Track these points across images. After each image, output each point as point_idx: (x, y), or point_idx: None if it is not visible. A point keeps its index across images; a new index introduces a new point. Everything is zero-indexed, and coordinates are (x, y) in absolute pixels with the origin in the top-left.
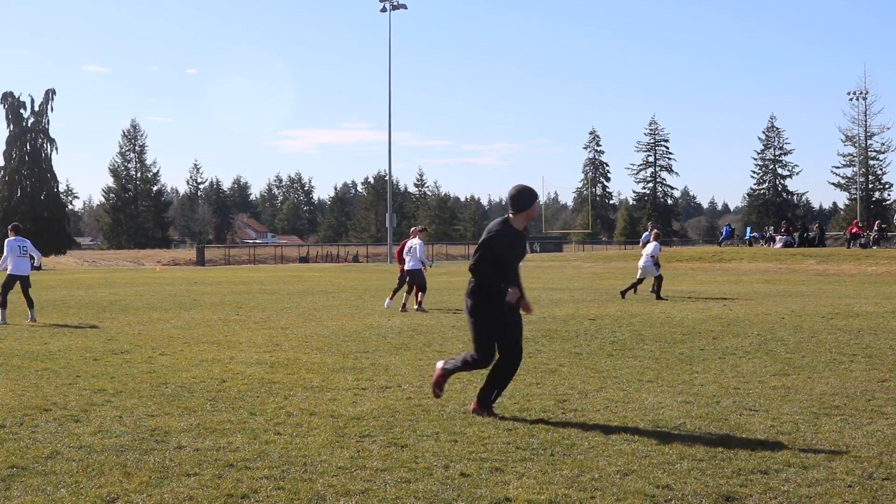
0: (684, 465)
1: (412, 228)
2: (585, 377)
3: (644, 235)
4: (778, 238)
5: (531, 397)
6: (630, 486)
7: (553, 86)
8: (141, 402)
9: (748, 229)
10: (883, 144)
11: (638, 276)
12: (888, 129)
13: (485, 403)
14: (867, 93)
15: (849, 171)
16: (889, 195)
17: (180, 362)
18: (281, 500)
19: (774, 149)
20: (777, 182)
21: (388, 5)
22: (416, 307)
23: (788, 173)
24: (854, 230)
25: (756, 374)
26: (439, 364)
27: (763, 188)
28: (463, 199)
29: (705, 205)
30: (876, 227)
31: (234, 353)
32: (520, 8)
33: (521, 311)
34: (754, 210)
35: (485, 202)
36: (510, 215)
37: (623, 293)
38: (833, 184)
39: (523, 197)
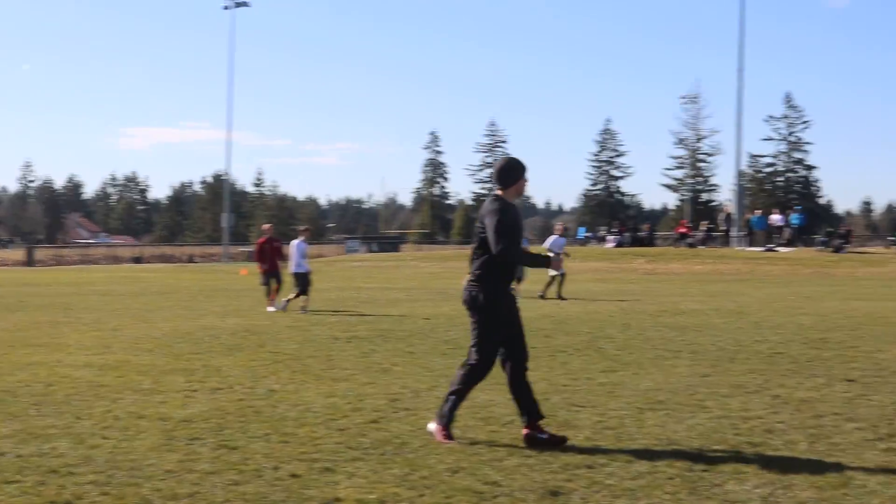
0: (512, 461)
1: (299, 229)
2: (418, 376)
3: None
4: (610, 238)
5: (364, 397)
6: (459, 484)
7: (394, 86)
8: None
9: (582, 229)
10: (712, 147)
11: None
12: (718, 132)
13: (535, 420)
14: (699, 97)
15: (679, 173)
16: (716, 196)
17: (4, 366)
18: None
19: (609, 151)
20: (611, 183)
21: (230, 3)
22: (281, 306)
23: (622, 175)
24: (682, 230)
25: (585, 370)
26: (433, 426)
27: (597, 189)
28: (301, 199)
29: (541, 205)
30: (703, 228)
31: (62, 355)
32: (362, 8)
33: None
34: (588, 210)
35: (323, 202)
36: (499, 192)
37: (542, 295)
38: (664, 185)
39: (513, 170)
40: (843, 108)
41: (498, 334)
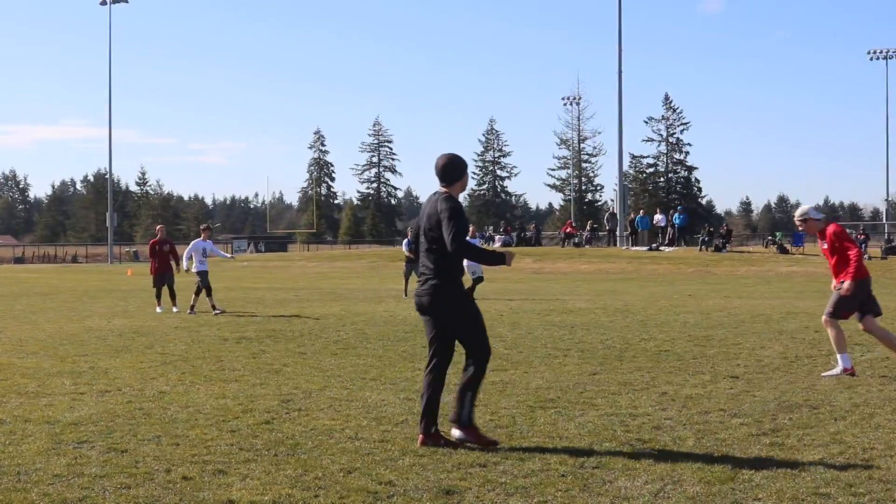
0: (406, 460)
1: (201, 226)
2: (310, 377)
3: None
4: (497, 238)
5: (255, 398)
6: (353, 484)
7: (279, 85)
8: None
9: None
10: (595, 148)
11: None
12: (600, 132)
13: (471, 422)
14: (580, 98)
15: (563, 174)
16: (601, 196)
17: None
18: None
19: (494, 151)
20: (496, 183)
21: None
22: (189, 311)
23: (507, 175)
24: (568, 230)
25: None
26: (457, 433)
27: (483, 189)
28: (186, 198)
29: None
30: (588, 227)
31: None
32: (245, 6)
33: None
34: (475, 210)
35: (209, 202)
36: (444, 189)
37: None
38: (549, 185)
39: (457, 166)
40: (721, 110)
41: (478, 320)
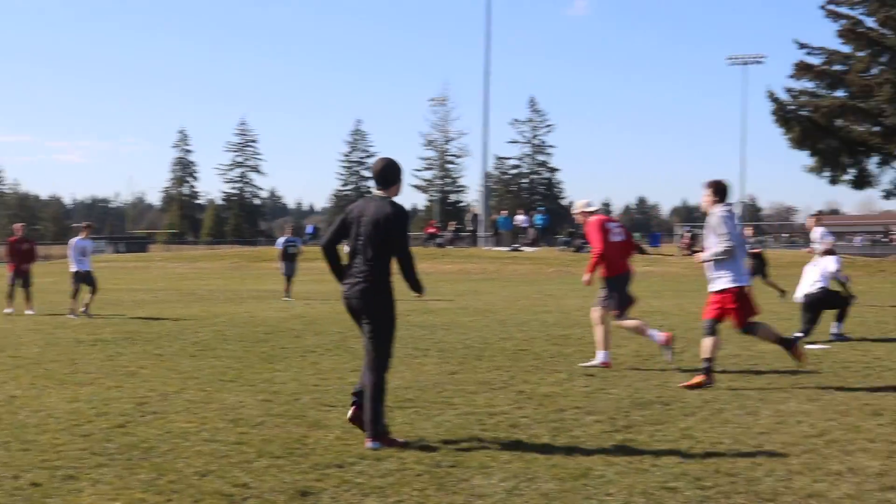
0: (262, 462)
1: (82, 225)
2: (166, 379)
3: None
4: None
5: (109, 401)
6: (208, 487)
7: (142, 84)
8: None
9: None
10: (460, 149)
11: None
12: (466, 134)
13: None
14: (447, 99)
15: (428, 175)
16: (464, 197)
17: None
18: None
19: (359, 151)
20: (361, 184)
21: None
22: (79, 313)
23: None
24: (431, 230)
25: (335, 370)
26: (370, 443)
27: (348, 189)
28: (45, 198)
29: (291, 205)
30: (451, 228)
31: None
32: (105, 2)
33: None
34: (340, 211)
35: (68, 202)
36: (381, 192)
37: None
38: (414, 186)
39: (394, 169)
40: (585, 112)
41: (394, 332)
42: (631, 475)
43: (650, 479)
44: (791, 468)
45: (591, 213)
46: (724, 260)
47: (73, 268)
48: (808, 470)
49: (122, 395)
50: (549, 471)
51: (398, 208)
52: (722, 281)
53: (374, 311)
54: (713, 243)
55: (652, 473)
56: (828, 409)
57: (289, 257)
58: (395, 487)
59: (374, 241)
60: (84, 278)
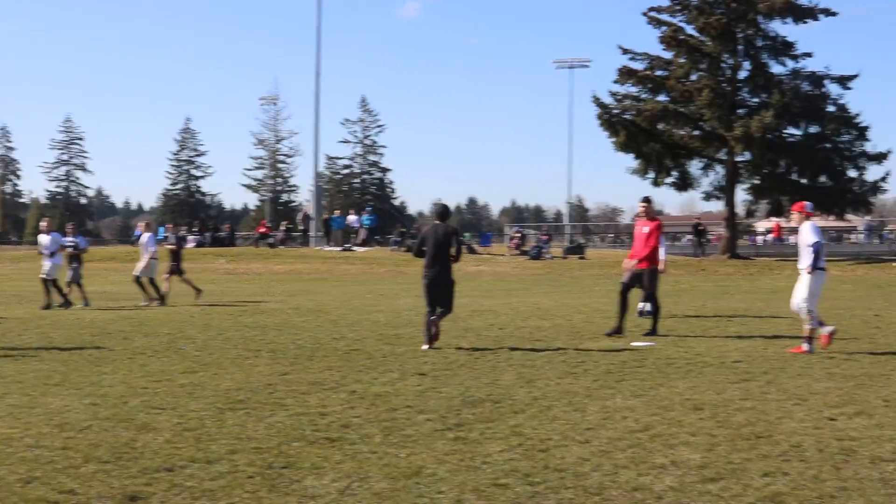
0: (89, 467)
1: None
2: None
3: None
4: (191, 238)
5: None
6: (32, 494)
7: None
8: None
9: (162, 229)
10: (291, 149)
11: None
12: (297, 133)
13: None
14: (278, 98)
15: (259, 174)
16: (296, 197)
17: None
18: None
19: (189, 150)
20: (191, 183)
21: None
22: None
23: (202, 174)
24: (263, 230)
25: (165, 372)
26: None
27: (177, 189)
28: None
29: (119, 204)
30: (283, 228)
31: None
32: None
33: None
34: (168, 210)
35: None
36: (439, 222)
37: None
38: (245, 185)
39: (449, 210)
40: (415, 113)
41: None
42: (462, 473)
43: (481, 477)
44: (617, 462)
45: None
46: None
47: (46, 263)
48: (633, 464)
49: None
50: (382, 470)
51: (454, 228)
52: None
53: (446, 285)
54: None
55: (483, 471)
56: (651, 405)
57: (74, 259)
58: (226, 490)
59: (444, 248)
60: (54, 272)
